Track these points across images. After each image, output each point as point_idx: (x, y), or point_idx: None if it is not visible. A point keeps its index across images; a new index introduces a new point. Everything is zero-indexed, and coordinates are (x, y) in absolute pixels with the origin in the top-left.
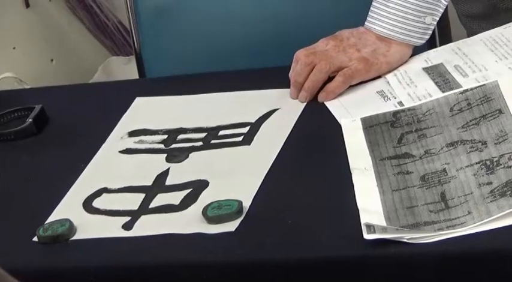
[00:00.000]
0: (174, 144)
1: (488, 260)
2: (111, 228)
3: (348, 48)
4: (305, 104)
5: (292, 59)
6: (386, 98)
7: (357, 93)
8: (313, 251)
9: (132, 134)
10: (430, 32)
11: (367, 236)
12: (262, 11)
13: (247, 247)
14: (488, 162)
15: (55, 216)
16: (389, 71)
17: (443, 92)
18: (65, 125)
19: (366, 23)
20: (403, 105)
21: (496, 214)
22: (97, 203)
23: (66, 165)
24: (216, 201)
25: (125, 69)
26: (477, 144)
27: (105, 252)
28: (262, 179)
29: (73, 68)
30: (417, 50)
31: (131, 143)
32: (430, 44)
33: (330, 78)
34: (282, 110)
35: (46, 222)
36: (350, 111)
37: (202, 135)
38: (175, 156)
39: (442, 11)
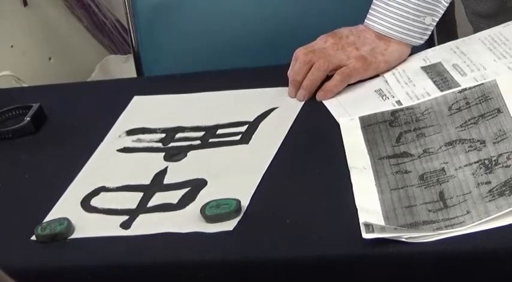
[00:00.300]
0: (172, 143)
1: (487, 259)
2: (109, 227)
3: (346, 47)
4: (303, 102)
5: (291, 58)
6: (384, 97)
7: (355, 92)
8: (311, 250)
9: (130, 132)
10: (429, 32)
11: (365, 235)
12: (260, 10)
13: (245, 246)
14: (486, 162)
15: (53, 215)
16: (387, 70)
17: (441, 91)
18: (63, 124)
19: (365, 20)
20: (401, 104)
21: (494, 213)
22: (95, 202)
23: (64, 163)
24: (214, 200)
25: (123, 67)
26: (476, 144)
27: (103, 251)
28: (261, 178)
29: (71, 67)
30: (415, 49)
31: (129, 141)
32: (429, 43)
33: (329, 77)
34: (280, 108)
35: (44, 221)
36: (348, 110)
37: (201, 134)
38: (174, 155)
39: (442, 12)
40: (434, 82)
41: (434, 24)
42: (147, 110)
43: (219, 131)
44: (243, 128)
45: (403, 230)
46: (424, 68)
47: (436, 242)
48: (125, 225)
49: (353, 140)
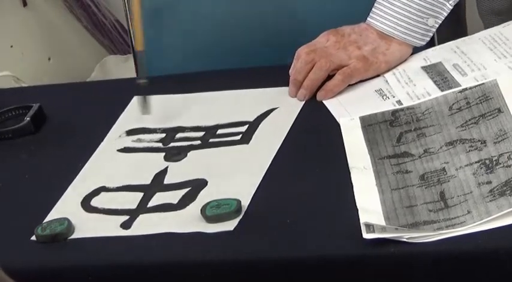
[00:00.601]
0: (173, 143)
1: (488, 259)
2: (110, 227)
3: (348, 45)
4: (304, 102)
5: (292, 58)
6: (385, 97)
7: (356, 92)
8: (312, 250)
9: (130, 132)
10: (431, 34)
11: (366, 236)
12: (261, 9)
13: (246, 246)
14: (487, 162)
15: (53, 215)
16: (388, 70)
17: (442, 91)
18: (63, 124)
19: (368, 18)
20: (401, 104)
21: (495, 213)
22: (95, 202)
23: (65, 163)
24: (214, 200)
25: (122, 67)
26: (476, 144)
27: (104, 251)
28: (261, 178)
29: (70, 67)
30: (416, 49)
31: (129, 141)
32: (429, 43)
33: (330, 77)
34: (280, 108)
35: (44, 221)
36: (349, 110)
37: (201, 134)
38: (174, 155)
39: (445, 14)
40: (435, 82)
41: (437, 26)
42: None
43: (219, 131)
44: (243, 128)
45: (403, 230)
46: (425, 68)
47: (436, 242)
48: (125, 225)
49: (353, 139)
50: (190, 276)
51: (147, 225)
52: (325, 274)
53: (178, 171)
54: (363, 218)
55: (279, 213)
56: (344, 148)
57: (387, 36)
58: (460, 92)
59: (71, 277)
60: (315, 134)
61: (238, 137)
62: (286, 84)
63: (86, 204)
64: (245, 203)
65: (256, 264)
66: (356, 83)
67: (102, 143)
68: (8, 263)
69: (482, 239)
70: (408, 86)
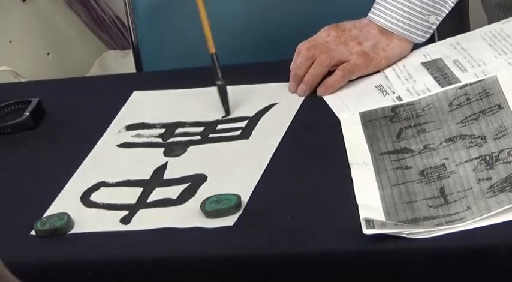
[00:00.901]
0: (172, 138)
1: (488, 255)
2: (109, 222)
3: (349, 41)
4: (303, 98)
5: (292, 54)
6: (385, 93)
7: (356, 87)
8: (311, 246)
9: (130, 127)
10: (432, 31)
11: (366, 231)
12: (261, 5)
13: (245, 242)
14: (487, 158)
15: (53, 210)
16: (388, 66)
17: (442, 87)
18: (62, 119)
19: (369, 14)
20: (401, 100)
21: (495, 209)
22: (95, 197)
23: (64, 158)
24: (214, 195)
25: (121, 63)
26: (476, 140)
27: (103, 246)
28: (261, 173)
29: (69, 62)
30: (416, 45)
31: (129, 136)
32: (429, 39)
33: (330, 72)
34: (280, 104)
35: (44, 216)
36: (348, 106)
37: (200, 129)
38: (173, 150)
39: (447, 12)
40: (435, 78)
41: (438, 23)
42: (147, 105)
43: (219, 126)
44: (243, 123)
45: (403, 225)
46: (425, 64)
47: (436, 237)
48: (125, 221)
49: (353, 135)
50: (189, 272)
51: (146, 220)
52: (325, 270)
53: (177, 167)
54: (363, 214)
55: (278, 208)
56: (344, 144)
57: (388, 32)
58: (460, 88)
59: (70, 272)
60: (314, 129)
61: (238, 133)
62: (286, 79)
63: (86, 199)
64: (245, 198)
65: (256, 260)
66: (356, 79)
67: (101, 138)
68: (8, 257)
69: (482, 235)
70: (408, 82)
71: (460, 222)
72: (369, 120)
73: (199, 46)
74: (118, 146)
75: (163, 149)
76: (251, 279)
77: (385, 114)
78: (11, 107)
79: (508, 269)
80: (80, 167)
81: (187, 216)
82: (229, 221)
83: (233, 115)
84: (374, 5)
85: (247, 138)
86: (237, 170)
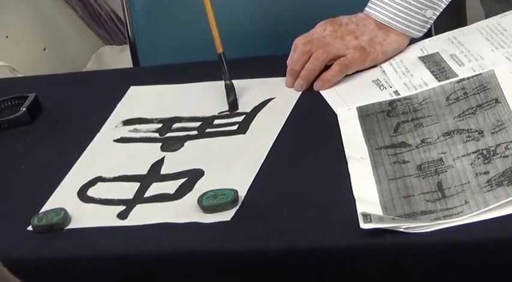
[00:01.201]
0: (169, 133)
1: (485, 249)
2: (106, 217)
3: (345, 35)
4: (300, 92)
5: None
6: (382, 87)
7: (353, 82)
8: (309, 241)
9: (127, 122)
10: (429, 25)
11: (363, 226)
12: (257, 1)
13: (243, 236)
14: (485, 152)
15: (50, 205)
16: (385, 61)
17: (439, 81)
18: (58, 114)
19: (366, 8)
20: (399, 94)
21: (493, 204)
22: (92, 192)
23: (61, 154)
24: (211, 190)
25: (118, 58)
26: (474, 134)
27: (100, 241)
28: (258, 168)
29: (66, 57)
30: (413, 39)
31: (126, 131)
32: (426, 33)
33: (327, 67)
34: (277, 99)
35: (41, 211)
36: (346, 100)
37: (197, 124)
38: (170, 145)
39: (444, 6)
40: (432, 72)
41: (435, 17)
42: (144, 100)
43: (216, 121)
44: (240, 118)
45: (401, 220)
46: (422, 58)
47: (434, 232)
48: (122, 216)
49: (350, 130)
50: (186, 266)
51: (143, 215)
52: (322, 264)
53: (175, 161)
54: (360, 208)
55: (275, 203)
56: (341, 138)
57: (385, 27)
58: (458, 82)
59: (68, 267)
60: (312, 124)
61: (235, 127)
62: (283, 74)
63: (83, 194)
64: (242, 193)
65: (253, 255)
66: (353, 73)
67: (98, 133)
68: (5, 253)
69: (480, 229)
70: (405, 76)
71: (458, 216)
72: (366, 114)
73: (195, 41)
74: (115, 141)
75: (160, 144)
76: (248, 273)
77: (383, 108)
78: (7, 103)
79: (505, 263)
80: (76, 162)
81: (184, 211)
82: (227, 215)
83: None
84: None
85: (244, 133)
86: (234, 165)
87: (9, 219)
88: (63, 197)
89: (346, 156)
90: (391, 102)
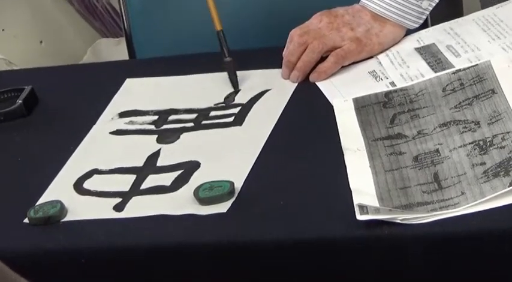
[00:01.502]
0: (165, 125)
1: (482, 240)
2: (103, 210)
3: (341, 26)
4: (296, 84)
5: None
6: (378, 78)
7: (349, 73)
8: (305, 232)
9: (123, 115)
10: (425, 16)
11: (360, 217)
12: None
13: (239, 228)
14: (481, 143)
15: (46, 197)
16: (381, 52)
17: (435, 72)
18: (55, 106)
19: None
20: (395, 85)
21: (489, 195)
22: (88, 184)
23: (57, 146)
24: (207, 182)
25: (114, 50)
26: (470, 125)
27: (97, 233)
28: (254, 159)
29: (62, 50)
30: (409, 30)
31: (122, 124)
32: (422, 24)
33: (323, 58)
34: (273, 90)
35: (37, 203)
36: (342, 92)
37: (193, 116)
38: (167, 137)
39: None
40: (428, 63)
41: (431, 9)
42: (140, 93)
43: (212, 113)
44: (236, 110)
45: (397, 211)
46: (418, 49)
47: (430, 223)
48: (118, 208)
49: (347, 121)
50: (182, 258)
51: (139, 207)
52: (319, 256)
53: (171, 153)
54: (357, 200)
55: (272, 195)
56: (337, 130)
57: (381, 18)
58: (454, 73)
59: (64, 259)
60: (308, 115)
61: (231, 119)
62: (279, 66)
63: (79, 186)
64: (238, 185)
65: (249, 246)
66: (349, 65)
67: (94, 126)
68: (1, 246)
69: (476, 220)
70: (401, 68)
71: (454, 207)
72: (363, 106)
73: (191, 33)
74: (111, 133)
75: (156, 136)
76: (245, 265)
77: (379, 100)
78: (3, 95)
79: (501, 253)
80: (73, 155)
81: (180, 203)
82: (223, 207)
83: (226, 102)
84: None
85: (241, 124)
86: (230, 156)
87: (5, 212)
88: (59, 190)
89: (343, 147)
90: (387, 94)
